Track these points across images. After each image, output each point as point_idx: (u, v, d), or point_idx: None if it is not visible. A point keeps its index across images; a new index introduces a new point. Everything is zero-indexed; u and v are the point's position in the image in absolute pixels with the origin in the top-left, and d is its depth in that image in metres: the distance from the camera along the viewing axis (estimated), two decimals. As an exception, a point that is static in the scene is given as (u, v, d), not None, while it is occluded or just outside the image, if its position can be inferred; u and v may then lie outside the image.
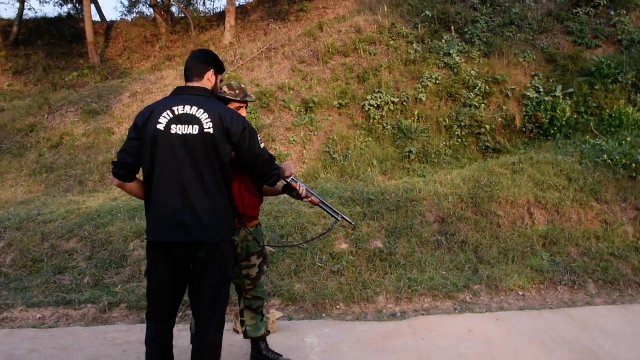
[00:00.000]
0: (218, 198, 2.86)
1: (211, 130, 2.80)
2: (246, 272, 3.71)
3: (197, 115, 2.83)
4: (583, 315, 4.77)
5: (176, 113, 2.83)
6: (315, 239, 4.51)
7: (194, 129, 2.80)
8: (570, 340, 4.23)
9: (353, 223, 4.07)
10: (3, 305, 5.17)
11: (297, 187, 3.53)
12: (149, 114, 2.86)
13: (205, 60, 3.08)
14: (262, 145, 3.05)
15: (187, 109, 2.84)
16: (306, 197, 3.57)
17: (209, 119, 2.82)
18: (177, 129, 2.81)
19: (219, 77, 3.16)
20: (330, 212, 3.70)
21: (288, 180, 3.52)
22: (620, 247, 5.98)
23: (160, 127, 2.82)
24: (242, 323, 3.92)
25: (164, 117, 2.83)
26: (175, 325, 4.33)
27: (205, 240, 2.85)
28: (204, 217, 2.82)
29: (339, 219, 3.71)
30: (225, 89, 3.58)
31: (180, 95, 2.95)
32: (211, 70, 3.06)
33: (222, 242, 2.91)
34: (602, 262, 5.76)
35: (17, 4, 19.64)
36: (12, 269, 5.86)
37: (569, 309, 4.99)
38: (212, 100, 2.96)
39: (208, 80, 3.05)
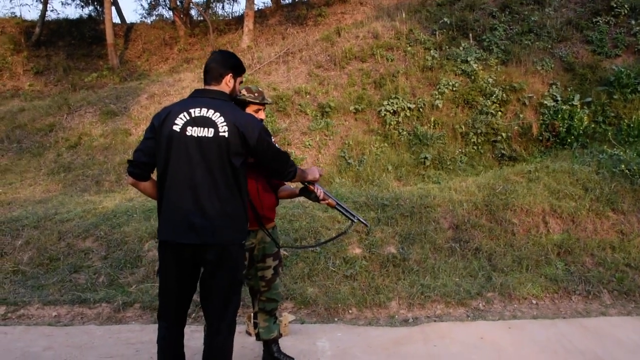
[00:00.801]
0: (229, 201, 2.87)
1: (226, 134, 2.82)
2: (262, 274, 3.75)
3: (213, 118, 2.85)
4: (597, 326, 4.72)
5: (193, 115, 2.86)
6: (331, 240, 4.50)
7: (209, 132, 2.82)
8: (584, 351, 4.20)
9: (368, 225, 4.06)
10: (20, 303, 5.25)
11: (315, 190, 3.54)
12: (166, 115, 2.90)
13: (223, 64, 3.07)
14: (276, 145, 3.08)
15: (204, 112, 2.87)
16: (323, 199, 3.58)
17: (225, 123, 2.83)
18: (193, 131, 2.83)
19: (238, 79, 3.15)
20: (347, 215, 3.71)
21: (306, 183, 3.54)
22: (637, 258, 5.91)
23: (177, 128, 2.85)
24: (255, 325, 3.95)
25: (181, 118, 2.87)
26: (188, 326, 4.36)
27: (215, 243, 2.86)
28: (214, 219, 2.84)
29: (355, 221, 3.72)
30: (244, 92, 3.63)
31: (198, 98, 2.97)
32: (229, 74, 3.06)
33: (231, 245, 2.92)
34: (618, 272, 5.70)
35: (40, 6, 19.92)
36: (30, 267, 5.93)
37: (583, 319, 4.94)
38: (229, 104, 2.98)
39: (226, 84, 3.06)
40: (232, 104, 3.02)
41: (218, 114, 2.86)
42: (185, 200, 2.84)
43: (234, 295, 3.02)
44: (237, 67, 3.12)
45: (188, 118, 2.86)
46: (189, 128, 2.84)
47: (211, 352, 3.01)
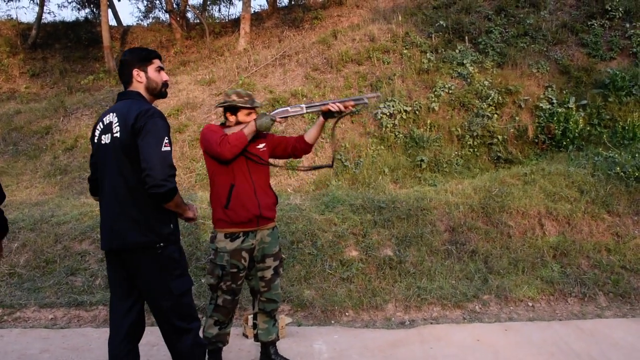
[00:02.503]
0: (132, 204, 2.77)
1: (118, 134, 2.77)
2: (261, 274, 3.76)
3: (112, 121, 2.82)
4: (593, 328, 4.75)
5: (105, 123, 2.87)
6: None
7: (108, 137, 2.82)
8: (580, 353, 4.22)
9: (378, 94, 4.02)
10: (16, 305, 5.24)
11: (332, 107, 3.62)
12: (93, 129, 2.96)
13: (127, 62, 2.97)
14: (165, 148, 2.71)
15: (110, 116, 2.85)
16: (346, 107, 3.66)
17: (118, 123, 2.79)
18: (104, 139, 2.85)
19: (152, 67, 2.98)
20: (360, 100, 3.76)
21: (321, 108, 3.65)
22: (632, 260, 5.94)
23: (96, 139, 2.92)
24: (255, 326, 3.96)
25: (97, 129, 2.91)
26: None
27: (120, 248, 2.80)
28: (117, 224, 2.79)
29: (366, 101, 3.78)
30: (234, 97, 3.64)
31: (115, 104, 2.96)
32: (134, 69, 2.94)
33: (141, 249, 2.79)
34: (613, 274, 5.73)
35: (37, 8, 19.90)
36: (26, 269, 5.93)
37: (579, 321, 4.97)
38: (133, 102, 2.87)
39: (137, 81, 2.95)
40: (137, 100, 2.89)
41: (114, 115, 2.83)
42: (101, 208, 2.89)
43: (166, 303, 2.86)
44: (141, 58, 2.97)
45: (102, 127, 2.88)
46: (103, 137, 2.86)
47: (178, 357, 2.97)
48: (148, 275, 2.82)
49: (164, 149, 2.69)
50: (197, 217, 3.09)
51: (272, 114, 3.59)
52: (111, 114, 2.86)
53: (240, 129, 3.52)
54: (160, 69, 3.03)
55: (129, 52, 3.02)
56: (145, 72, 2.96)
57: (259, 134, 3.61)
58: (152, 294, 2.86)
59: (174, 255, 2.88)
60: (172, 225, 2.89)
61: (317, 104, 3.72)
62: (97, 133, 2.90)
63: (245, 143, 3.48)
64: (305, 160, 10.47)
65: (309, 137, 3.86)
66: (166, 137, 2.74)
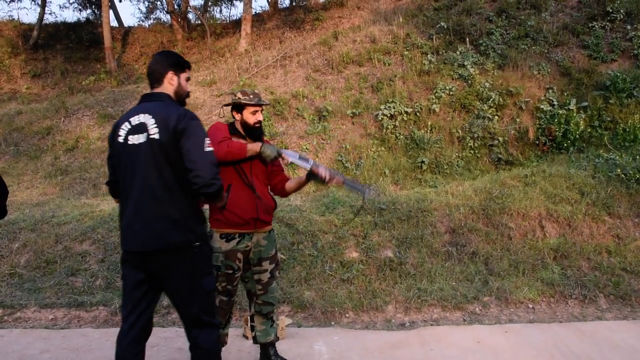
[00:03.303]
0: (170, 205, 2.79)
1: (157, 136, 2.77)
2: (258, 277, 3.76)
3: (146, 122, 2.81)
4: (593, 330, 4.74)
5: (133, 124, 2.85)
6: (355, 218, 4.33)
7: (143, 137, 2.80)
8: (580, 355, 4.21)
9: (375, 192, 4.05)
10: (17, 306, 5.25)
11: (320, 173, 3.56)
12: (114, 129, 2.93)
13: (162, 63, 3.01)
14: (208, 148, 2.80)
15: (141, 117, 2.84)
16: (330, 180, 3.59)
17: (156, 124, 2.78)
18: (133, 139, 2.82)
19: (183, 75, 3.05)
20: (357, 190, 3.76)
21: (311, 168, 3.56)
22: (633, 262, 5.94)
23: (121, 139, 2.87)
24: (252, 328, 3.95)
25: (123, 129, 2.87)
26: (176, 330, 4.35)
27: (157, 249, 2.80)
28: (154, 225, 2.79)
29: (366, 195, 3.77)
30: (240, 95, 3.66)
31: (141, 104, 2.95)
32: (169, 72, 2.98)
33: (179, 250, 2.82)
34: (614, 277, 5.73)
35: (38, 9, 19.92)
36: (27, 269, 5.93)
37: (580, 323, 4.96)
38: (167, 104, 2.89)
39: (169, 83, 2.98)
40: (170, 103, 2.93)
41: (150, 116, 2.82)
42: (129, 209, 2.84)
43: (198, 302, 2.90)
44: (177, 64, 3.03)
45: (129, 127, 2.85)
46: (130, 137, 2.84)
47: (197, 354, 2.97)
48: (184, 274, 2.85)
49: (207, 149, 2.78)
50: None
51: (281, 150, 3.60)
52: (142, 114, 2.84)
53: (247, 143, 3.54)
54: (188, 79, 3.10)
55: (166, 54, 3.09)
56: (178, 77, 3.02)
57: (259, 157, 3.59)
58: (185, 292, 2.88)
59: (208, 254, 2.99)
60: (205, 224, 2.99)
61: (324, 170, 3.60)
62: (121, 133, 2.87)
63: (243, 157, 3.49)
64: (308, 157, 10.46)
65: (288, 187, 3.86)
66: (207, 138, 2.82)
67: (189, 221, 2.85)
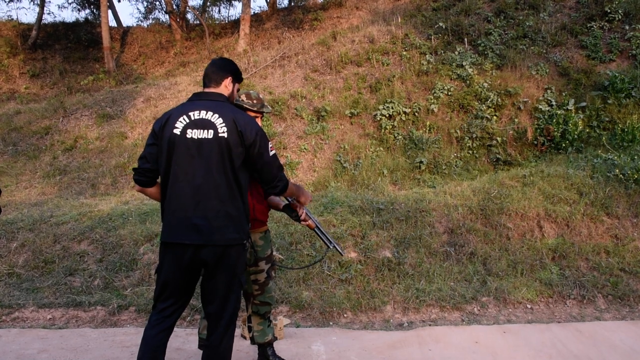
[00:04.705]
0: (230, 202, 2.89)
1: (225, 135, 2.85)
2: (254, 278, 3.75)
3: (212, 120, 2.88)
4: (592, 330, 4.74)
5: (192, 118, 2.90)
6: (307, 267, 4.49)
7: (209, 134, 2.86)
8: (578, 355, 4.22)
9: (343, 254, 4.10)
10: (15, 305, 5.24)
11: (298, 209, 3.64)
12: (166, 120, 2.95)
13: (224, 67, 3.12)
14: (272, 152, 3.03)
15: (203, 114, 2.90)
16: (304, 220, 3.68)
17: (224, 124, 2.87)
18: (193, 133, 2.87)
19: (237, 86, 3.21)
20: (324, 240, 3.83)
21: (290, 201, 3.62)
22: (631, 262, 5.94)
23: (177, 131, 2.89)
24: (250, 329, 3.95)
25: (181, 122, 2.90)
26: (184, 329, 4.37)
27: (215, 244, 2.87)
28: (215, 220, 2.86)
29: (331, 248, 3.84)
30: (243, 97, 3.64)
31: (197, 101, 3.00)
32: (229, 78, 3.11)
33: (232, 246, 2.92)
34: (612, 277, 5.73)
35: (37, 9, 19.91)
36: (25, 269, 5.92)
37: (578, 323, 4.96)
38: (228, 105, 3.01)
39: (225, 87, 3.10)
40: (231, 105, 3.04)
41: (217, 115, 2.89)
42: (187, 202, 2.87)
43: (233, 296, 3.02)
44: (236, 73, 3.18)
45: (188, 121, 2.90)
46: (189, 131, 2.88)
47: (211, 353, 3.01)
48: (229, 269, 2.95)
49: (272, 152, 3.04)
50: (310, 200, 3.57)
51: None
52: (204, 111, 2.93)
53: None
54: (238, 90, 3.31)
55: (229, 61, 3.21)
56: (234, 85, 3.18)
57: None
58: (224, 287, 2.98)
59: (247, 252, 3.16)
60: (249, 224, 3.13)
61: (300, 209, 3.67)
62: (178, 125, 2.91)
63: None
64: (306, 162, 10.48)
65: (270, 200, 3.85)
66: (270, 143, 3.05)
67: (242, 219, 2.98)
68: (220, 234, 2.87)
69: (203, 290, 3.02)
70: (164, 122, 2.94)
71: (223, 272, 2.94)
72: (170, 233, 2.91)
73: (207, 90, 3.08)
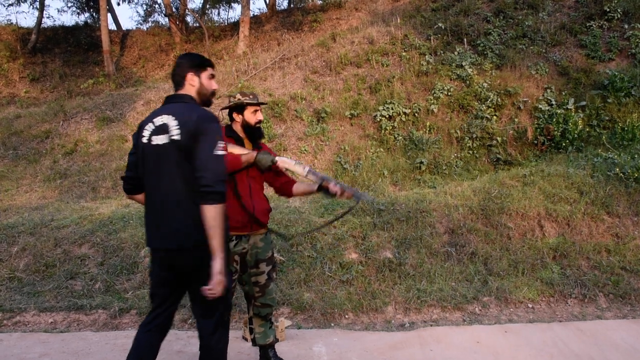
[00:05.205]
0: (190, 205, 2.80)
1: (178, 137, 2.79)
2: (255, 280, 3.75)
3: (168, 123, 2.84)
4: (593, 329, 4.74)
5: (156, 124, 2.88)
6: (336, 220, 4.29)
7: (165, 138, 2.83)
8: (580, 354, 4.21)
9: (370, 199, 4.04)
10: (16, 309, 5.24)
11: (331, 189, 3.59)
12: (139, 128, 2.98)
13: (181, 66, 3.03)
14: (218, 152, 2.78)
15: (164, 118, 2.87)
16: (342, 195, 3.62)
17: (177, 125, 2.81)
18: (156, 139, 2.86)
19: (205, 74, 3.06)
20: (364, 197, 3.78)
21: (323, 182, 3.60)
22: (632, 261, 5.94)
23: (144, 139, 2.91)
24: (251, 331, 3.95)
25: (147, 129, 2.91)
26: (185, 332, 4.37)
27: (181, 247, 2.84)
28: (177, 224, 2.83)
29: (359, 201, 3.84)
30: (239, 96, 3.69)
31: (165, 105, 2.99)
32: (190, 72, 3.01)
33: (199, 248, 2.81)
34: (613, 276, 5.72)
35: (36, 13, 19.92)
36: (26, 273, 5.93)
37: (579, 322, 4.96)
38: (188, 105, 2.93)
39: (190, 85, 3.01)
40: (191, 104, 2.95)
41: (172, 117, 2.85)
42: (155, 208, 2.90)
43: (218, 299, 2.90)
44: (197, 64, 3.05)
45: (153, 128, 2.89)
46: (153, 137, 2.87)
47: (203, 354, 3.02)
48: (204, 272, 2.83)
49: (218, 152, 2.77)
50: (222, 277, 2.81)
51: (275, 157, 3.62)
52: (166, 115, 2.88)
53: (241, 154, 3.54)
54: (212, 76, 3.10)
55: (185, 56, 3.09)
56: (199, 77, 3.03)
57: (254, 165, 3.61)
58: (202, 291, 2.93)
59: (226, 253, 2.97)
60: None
61: (320, 175, 3.68)
62: (145, 133, 2.91)
63: (238, 168, 3.52)
64: (306, 163, 10.47)
65: (296, 189, 3.87)
66: (221, 142, 2.81)
67: None
68: (184, 237, 2.83)
69: (189, 295, 3.02)
70: (137, 131, 2.98)
71: (198, 275, 2.87)
72: (148, 238, 2.97)
73: (174, 93, 3.05)
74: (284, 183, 3.89)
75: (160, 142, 2.85)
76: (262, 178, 3.79)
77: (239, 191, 3.59)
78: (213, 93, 3.12)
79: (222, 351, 3.04)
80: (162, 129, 2.85)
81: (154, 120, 2.91)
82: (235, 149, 3.59)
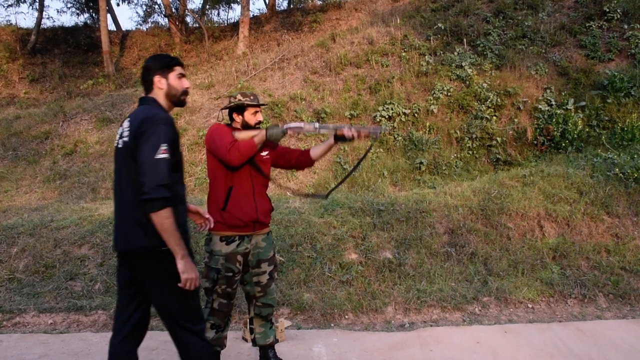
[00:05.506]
0: (137, 207, 2.74)
1: (127, 139, 2.78)
2: (257, 279, 3.76)
3: (125, 126, 2.84)
4: (593, 329, 4.74)
5: (122, 128, 2.88)
6: (359, 163, 4.28)
7: (121, 142, 2.83)
8: (579, 355, 4.21)
9: (384, 129, 4.05)
10: (16, 310, 5.24)
11: (346, 134, 3.65)
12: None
13: (147, 70, 2.98)
14: (160, 155, 2.67)
15: (125, 122, 2.88)
16: (359, 136, 3.71)
17: (128, 128, 2.79)
18: (118, 143, 2.88)
19: (173, 74, 2.98)
20: (377, 132, 3.83)
21: (337, 131, 3.67)
22: (632, 261, 5.94)
23: (115, 144, 2.93)
24: (251, 331, 3.95)
25: (118, 134, 2.92)
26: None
27: (129, 251, 2.81)
28: (126, 227, 2.81)
29: (379, 133, 3.82)
30: (240, 97, 3.68)
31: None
32: (155, 76, 2.94)
33: (146, 254, 2.77)
34: (613, 276, 5.72)
35: (36, 13, 19.92)
36: (25, 274, 5.92)
37: (579, 322, 4.96)
38: (145, 107, 2.88)
39: (158, 88, 2.95)
40: (148, 106, 2.89)
41: (128, 120, 2.84)
42: (115, 210, 2.91)
43: (175, 306, 2.84)
44: (162, 65, 2.97)
45: (121, 132, 2.88)
46: (118, 142, 2.89)
47: (181, 356, 2.95)
48: (156, 278, 2.81)
49: (159, 156, 2.65)
50: (192, 280, 2.76)
51: (285, 126, 3.62)
52: (127, 119, 2.88)
53: (251, 136, 3.54)
54: (181, 75, 3.02)
55: (151, 59, 3.03)
56: (167, 78, 2.96)
57: (267, 143, 3.63)
58: (160, 296, 2.85)
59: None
60: None
61: (331, 126, 3.72)
62: (117, 137, 2.93)
63: (255, 152, 3.51)
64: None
65: (314, 153, 3.87)
66: (164, 145, 2.69)
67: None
68: (128, 241, 2.79)
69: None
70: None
71: (149, 282, 2.83)
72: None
73: (146, 96, 3.01)
74: (299, 156, 3.91)
75: (119, 146, 2.85)
76: (263, 183, 3.78)
77: (241, 193, 3.60)
78: (185, 92, 3.05)
79: (201, 352, 2.92)
80: (121, 133, 2.85)
81: (123, 124, 2.90)
82: (242, 134, 3.60)
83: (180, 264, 2.69)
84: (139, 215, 2.73)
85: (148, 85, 2.97)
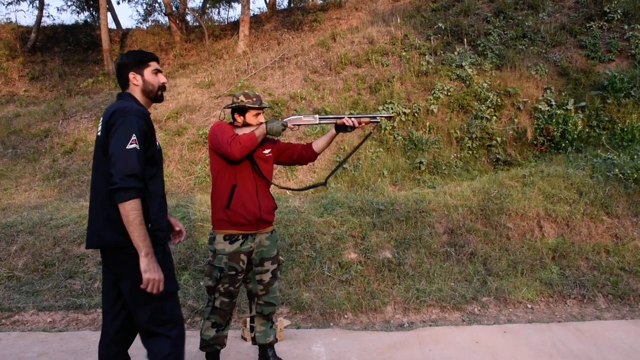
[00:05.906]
0: (108, 202, 2.68)
1: (100, 133, 2.76)
2: (259, 278, 3.76)
3: (101, 120, 2.82)
4: (592, 330, 4.74)
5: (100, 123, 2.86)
6: (357, 149, 4.30)
7: (96, 136, 2.83)
8: (579, 355, 4.21)
9: (387, 114, 4.08)
10: (15, 309, 5.23)
11: (347, 123, 3.69)
12: None
13: (121, 68, 2.95)
14: (130, 146, 2.62)
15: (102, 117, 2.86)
16: (361, 124, 3.74)
17: (102, 121, 2.78)
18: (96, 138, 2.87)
19: (147, 71, 2.95)
20: (377, 118, 3.81)
21: (337, 121, 3.72)
22: (631, 261, 5.94)
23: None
24: (252, 329, 3.95)
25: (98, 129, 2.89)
26: (186, 329, 4.35)
27: (100, 246, 2.77)
28: (96, 222, 2.76)
29: (379, 119, 3.81)
30: (242, 97, 3.67)
31: None
32: (130, 74, 2.91)
33: (118, 250, 2.72)
34: (612, 276, 5.73)
35: (36, 11, 19.90)
36: (24, 272, 5.92)
37: (578, 323, 4.96)
38: (120, 101, 2.84)
39: (134, 84, 2.92)
40: (122, 100, 2.85)
41: (103, 114, 2.82)
42: (89, 206, 2.87)
43: (146, 307, 2.74)
44: (137, 61, 2.94)
45: (100, 127, 2.83)
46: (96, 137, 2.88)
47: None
48: (128, 275, 2.72)
49: (129, 146, 2.61)
50: (157, 280, 2.64)
51: (284, 120, 3.63)
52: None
53: (251, 130, 3.55)
54: (157, 71, 2.98)
55: (125, 55, 2.99)
56: (142, 75, 2.93)
57: (268, 139, 3.64)
58: (132, 295, 2.74)
59: (156, 257, 2.70)
60: (149, 225, 2.72)
61: (331, 116, 3.76)
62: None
63: (256, 145, 3.51)
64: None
65: (317, 146, 3.88)
66: (134, 135, 2.64)
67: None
68: (98, 237, 2.74)
69: None
70: None
71: (123, 280, 2.76)
72: None
73: (123, 92, 2.98)
74: (301, 150, 3.92)
75: (96, 141, 2.84)
76: (269, 174, 3.79)
77: (245, 191, 3.60)
78: (162, 87, 3.01)
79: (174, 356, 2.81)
80: (99, 129, 2.84)
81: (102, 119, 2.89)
82: (243, 130, 3.62)
83: (143, 262, 2.58)
84: (110, 209, 2.66)
85: (124, 82, 2.94)
